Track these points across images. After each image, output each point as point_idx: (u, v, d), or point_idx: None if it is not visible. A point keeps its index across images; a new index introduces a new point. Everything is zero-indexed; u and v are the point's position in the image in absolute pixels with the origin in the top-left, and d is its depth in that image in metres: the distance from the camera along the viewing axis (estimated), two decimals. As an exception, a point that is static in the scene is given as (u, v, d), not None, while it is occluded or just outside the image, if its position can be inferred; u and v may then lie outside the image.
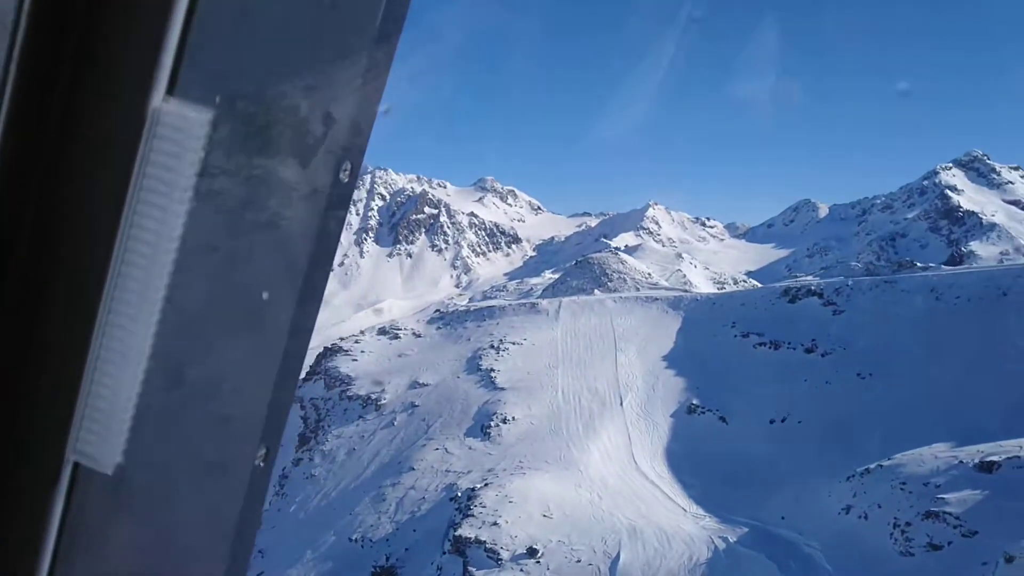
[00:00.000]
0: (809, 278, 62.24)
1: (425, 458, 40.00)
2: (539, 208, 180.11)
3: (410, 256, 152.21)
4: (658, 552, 29.64)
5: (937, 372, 37.61)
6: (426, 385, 48.04)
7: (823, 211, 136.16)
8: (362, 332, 61.46)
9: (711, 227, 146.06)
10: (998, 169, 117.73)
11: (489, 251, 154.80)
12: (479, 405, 43.83)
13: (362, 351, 55.67)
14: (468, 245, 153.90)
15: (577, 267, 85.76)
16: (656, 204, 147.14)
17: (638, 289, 67.14)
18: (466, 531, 32.28)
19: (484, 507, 33.45)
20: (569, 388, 44.70)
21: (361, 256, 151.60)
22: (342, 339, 60.97)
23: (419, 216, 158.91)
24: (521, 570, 29.99)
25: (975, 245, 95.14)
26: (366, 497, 38.83)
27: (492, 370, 47.60)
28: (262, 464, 1.06)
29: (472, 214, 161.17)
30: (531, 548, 30.77)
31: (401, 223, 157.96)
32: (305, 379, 55.48)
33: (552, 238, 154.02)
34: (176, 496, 0.97)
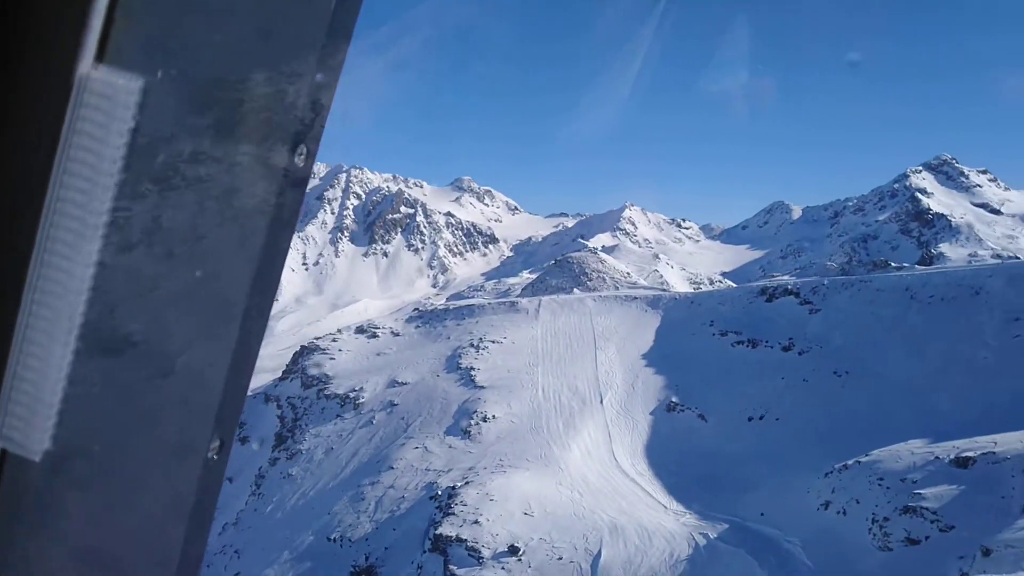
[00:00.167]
0: (786, 278, 62.91)
1: (404, 457, 39.68)
2: (516, 208, 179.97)
3: (386, 256, 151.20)
4: (639, 549, 29.70)
5: (912, 370, 38.19)
6: (405, 384, 47.68)
7: (796, 213, 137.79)
8: (339, 331, 60.84)
9: (687, 228, 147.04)
10: (966, 172, 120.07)
11: (466, 251, 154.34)
12: (459, 403, 43.60)
13: (340, 349, 55.12)
14: (445, 245, 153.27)
15: (556, 266, 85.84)
16: (632, 205, 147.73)
17: (617, 288, 67.36)
18: (447, 530, 32.07)
19: (465, 505, 33.26)
20: (549, 386, 44.65)
21: (336, 255, 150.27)
22: (319, 338, 60.32)
23: (395, 215, 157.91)
24: (503, 568, 29.85)
25: (944, 247, 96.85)
26: (345, 496, 38.40)
27: (472, 368, 47.39)
28: (215, 457, 0.99)
29: (449, 214, 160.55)
30: (512, 546, 30.64)
31: (377, 222, 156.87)
32: (281, 378, 54.82)
33: (529, 238, 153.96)
34: (119, 489, 0.92)
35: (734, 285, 75.59)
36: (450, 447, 39.76)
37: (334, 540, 35.65)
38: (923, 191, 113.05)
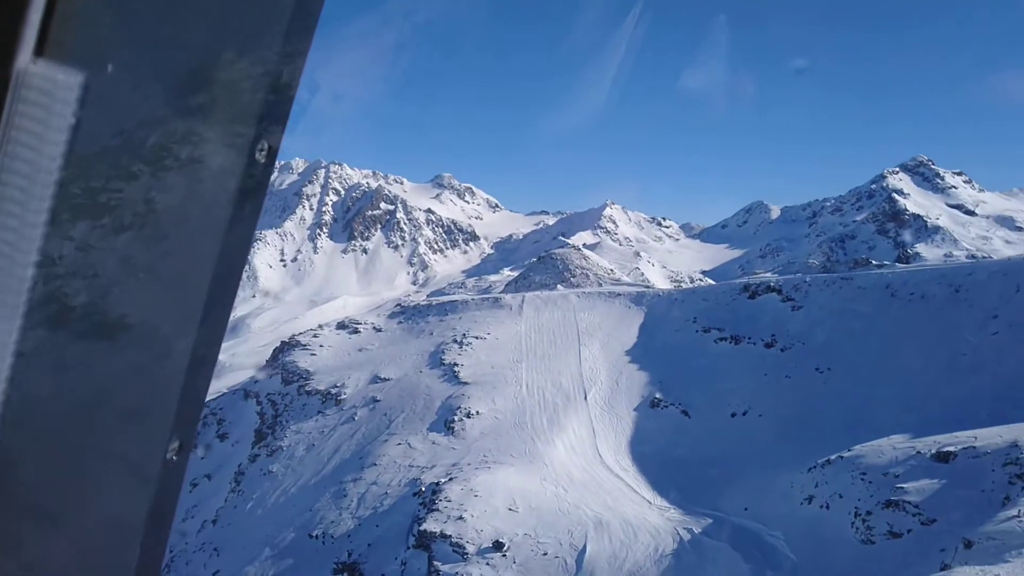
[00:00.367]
0: (768, 275, 63.34)
1: (387, 453, 39.32)
2: (497, 206, 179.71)
3: (365, 252, 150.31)
4: (624, 544, 29.65)
5: (893, 366, 38.58)
6: (387, 380, 47.28)
7: (775, 213, 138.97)
8: (320, 326, 60.23)
9: (667, 227, 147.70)
10: (942, 174, 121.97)
11: (446, 248, 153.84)
12: (442, 400, 43.31)
13: (320, 345, 54.58)
14: (425, 242, 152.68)
15: (540, 263, 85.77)
16: (613, 204, 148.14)
17: (600, 285, 67.39)
18: (431, 525, 31.80)
19: (449, 501, 33.02)
20: (533, 382, 44.51)
21: (315, 252, 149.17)
22: (300, 333, 59.70)
23: (375, 212, 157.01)
24: (487, 564, 29.65)
25: (921, 247, 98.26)
26: (327, 493, 37.97)
27: (455, 365, 47.12)
28: (175, 458, 0.97)
29: (429, 211, 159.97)
30: (497, 542, 30.46)
31: (356, 219, 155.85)
32: (261, 374, 54.19)
33: (510, 236, 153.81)
34: (68, 495, 0.89)
35: (714, 283, 76.03)
36: (434, 443, 39.47)
37: (316, 537, 35.23)
38: (900, 192, 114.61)
